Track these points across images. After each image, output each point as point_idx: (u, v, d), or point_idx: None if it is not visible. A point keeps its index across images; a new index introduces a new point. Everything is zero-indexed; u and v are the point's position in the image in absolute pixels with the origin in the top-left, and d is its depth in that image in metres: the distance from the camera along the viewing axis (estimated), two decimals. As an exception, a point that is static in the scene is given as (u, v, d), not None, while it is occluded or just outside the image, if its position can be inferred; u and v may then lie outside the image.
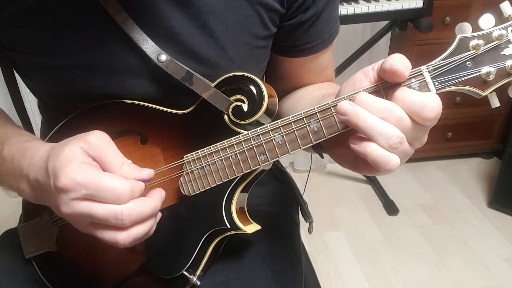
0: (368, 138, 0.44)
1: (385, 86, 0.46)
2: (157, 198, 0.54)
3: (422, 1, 1.58)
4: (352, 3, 1.57)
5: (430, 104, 0.43)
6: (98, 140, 0.51)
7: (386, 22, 1.80)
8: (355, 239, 1.86)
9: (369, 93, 0.46)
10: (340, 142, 0.50)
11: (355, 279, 1.67)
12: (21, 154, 0.55)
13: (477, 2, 1.87)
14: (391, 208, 2.00)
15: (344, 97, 0.48)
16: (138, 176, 0.53)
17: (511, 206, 1.92)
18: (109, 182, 0.48)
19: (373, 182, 2.16)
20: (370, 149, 0.44)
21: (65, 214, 0.49)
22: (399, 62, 0.43)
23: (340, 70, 1.87)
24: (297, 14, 0.63)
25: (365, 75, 0.48)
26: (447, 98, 0.44)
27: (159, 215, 0.57)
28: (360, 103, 0.44)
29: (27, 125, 0.74)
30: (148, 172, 0.54)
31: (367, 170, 0.49)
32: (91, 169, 0.49)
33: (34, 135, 0.63)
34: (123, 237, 0.50)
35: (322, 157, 0.60)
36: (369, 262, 1.74)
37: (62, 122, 0.64)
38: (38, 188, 0.53)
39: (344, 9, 1.55)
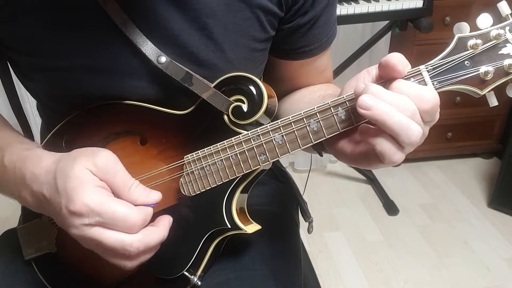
0: (381, 130, 0.44)
1: (385, 84, 0.46)
2: (165, 227, 0.55)
3: (422, 1, 1.58)
4: (352, 3, 1.57)
5: (426, 96, 0.44)
6: (106, 163, 0.51)
7: (386, 22, 1.80)
8: (355, 239, 1.86)
9: None
10: (340, 137, 0.51)
11: (355, 279, 1.67)
12: (22, 162, 0.55)
13: (477, 2, 1.87)
14: (391, 208, 2.00)
15: (343, 97, 0.48)
16: (146, 201, 0.53)
17: (511, 206, 1.92)
18: (123, 212, 0.49)
19: (373, 182, 2.16)
20: (379, 140, 0.44)
21: (73, 234, 0.50)
22: (394, 57, 0.44)
23: (340, 70, 1.87)
24: (295, 18, 0.64)
25: (368, 73, 0.48)
26: (447, 98, 0.45)
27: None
28: (374, 95, 0.44)
29: (26, 128, 0.73)
30: (157, 196, 0.54)
31: (366, 163, 0.49)
32: (104, 194, 0.49)
33: (33, 137, 0.63)
34: (130, 264, 0.51)
35: (321, 156, 0.61)
36: (369, 262, 1.74)
37: (60, 123, 0.63)
38: (43, 201, 0.52)
39: (344, 9, 1.55)
